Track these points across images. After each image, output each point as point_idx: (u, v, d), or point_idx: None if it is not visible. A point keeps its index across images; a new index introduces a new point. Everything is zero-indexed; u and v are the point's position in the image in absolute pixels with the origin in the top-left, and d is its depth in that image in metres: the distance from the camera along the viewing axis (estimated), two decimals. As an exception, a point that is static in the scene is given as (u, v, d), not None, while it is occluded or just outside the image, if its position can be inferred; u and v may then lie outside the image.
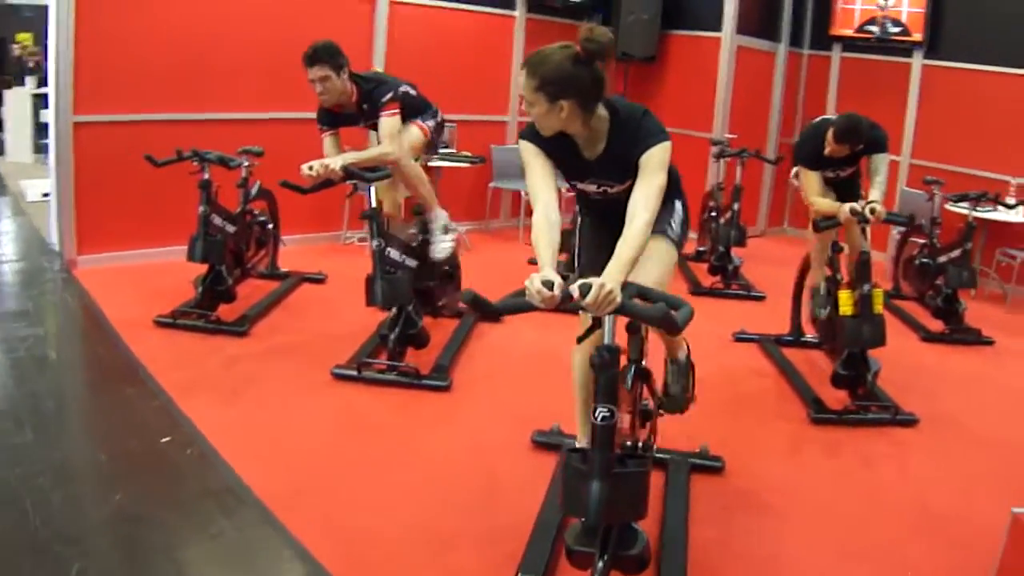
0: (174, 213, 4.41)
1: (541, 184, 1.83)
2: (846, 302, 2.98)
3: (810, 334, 3.73)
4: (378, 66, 5.04)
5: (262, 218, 4.05)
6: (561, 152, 1.87)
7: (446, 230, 3.29)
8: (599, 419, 1.65)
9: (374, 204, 2.94)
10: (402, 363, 3.04)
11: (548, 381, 3.13)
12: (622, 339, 1.78)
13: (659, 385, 2.29)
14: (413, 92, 3.21)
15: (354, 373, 3.01)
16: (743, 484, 2.48)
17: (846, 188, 3.35)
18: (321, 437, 2.63)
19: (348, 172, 2.85)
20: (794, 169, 3.50)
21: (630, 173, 1.84)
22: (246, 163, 3.79)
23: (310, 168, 2.81)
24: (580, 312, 1.67)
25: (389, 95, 3.00)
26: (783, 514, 2.34)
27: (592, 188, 1.99)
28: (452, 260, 3.40)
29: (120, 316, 3.51)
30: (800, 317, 3.82)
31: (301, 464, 2.45)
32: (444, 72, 5.23)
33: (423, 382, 2.99)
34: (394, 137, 2.99)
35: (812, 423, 2.95)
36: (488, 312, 1.63)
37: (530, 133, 1.87)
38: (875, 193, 3.01)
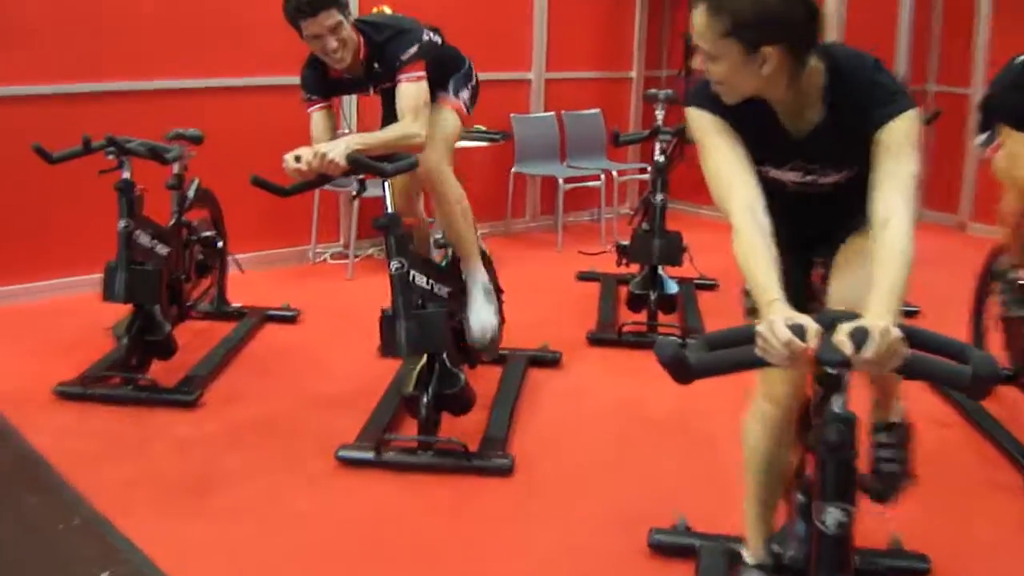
0: (77, 230, 4.35)
1: (734, 171, 1.79)
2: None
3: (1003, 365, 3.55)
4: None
5: (205, 232, 4.02)
6: (753, 125, 1.83)
7: (487, 294, 3.25)
8: (830, 524, 1.57)
9: (392, 208, 2.89)
10: (439, 437, 2.99)
11: (649, 450, 3.12)
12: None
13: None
14: (439, 40, 3.17)
15: (370, 456, 2.95)
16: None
17: None
18: (333, 559, 2.48)
19: (357, 163, 2.76)
20: (982, 135, 3.29)
21: (854, 155, 1.81)
22: (182, 154, 3.70)
23: (297, 159, 2.73)
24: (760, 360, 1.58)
25: (412, 50, 2.96)
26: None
27: (793, 177, 1.95)
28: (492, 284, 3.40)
29: (3, 387, 3.42)
30: (983, 341, 3.63)
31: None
32: (444, 10, 5.10)
33: (475, 463, 2.93)
34: (421, 110, 2.95)
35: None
36: (697, 376, 1.53)
37: (704, 98, 1.84)
38: None
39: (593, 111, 6.23)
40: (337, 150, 2.73)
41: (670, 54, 6.73)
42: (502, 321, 3.35)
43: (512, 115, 5.87)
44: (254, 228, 4.90)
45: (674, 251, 4.12)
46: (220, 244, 4.12)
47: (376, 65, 3.02)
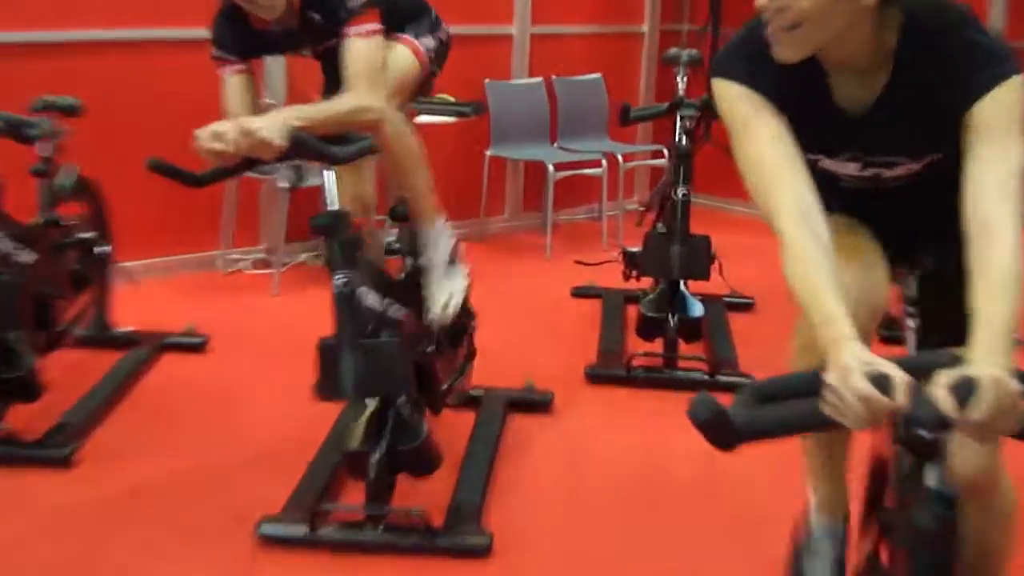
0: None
1: (780, 162, 1.81)
2: None
3: None
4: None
5: (84, 234, 4.01)
6: (799, 100, 1.85)
7: (453, 260, 3.35)
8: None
9: (336, 204, 2.91)
10: (393, 507, 2.99)
11: (666, 526, 3.13)
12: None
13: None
14: None
15: (302, 532, 2.96)
16: None
17: None
18: None
19: (300, 144, 2.80)
20: None
21: (932, 139, 1.85)
22: (52, 131, 3.72)
23: (216, 137, 2.74)
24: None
25: None
26: None
27: (850, 170, 1.98)
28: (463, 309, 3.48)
29: None
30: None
31: None
32: None
33: (440, 542, 2.97)
34: (377, 75, 3.00)
35: None
36: (745, 440, 1.52)
37: (737, 65, 1.88)
38: None
39: (593, 76, 6.25)
40: (273, 126, 2.74)
41: (693, 3, 6.77)
42: (472, 336, 3.40)
43: (487, 81, 5.89)
44: (149, 228, 4.89)
45: (699, 261, 4.12)
46: (104, 249, 4.12)
47: (316, 16, 3.04)
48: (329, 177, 2.90)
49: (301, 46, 3.18)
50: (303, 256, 5.31)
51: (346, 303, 2.83)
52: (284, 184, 4.69)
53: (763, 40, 1.79)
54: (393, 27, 3.20)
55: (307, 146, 2.81)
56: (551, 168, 5.75)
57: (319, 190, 2.91)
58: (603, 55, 6.39)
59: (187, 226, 5.11)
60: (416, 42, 3.29)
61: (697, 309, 4.17)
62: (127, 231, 4.34)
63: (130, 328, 4.26)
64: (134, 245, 4.62)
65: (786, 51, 1.78)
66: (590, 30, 6.38)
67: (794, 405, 1.55)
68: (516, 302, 4.86)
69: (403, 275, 3.34)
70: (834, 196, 1.98)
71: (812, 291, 1.67)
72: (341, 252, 2.85)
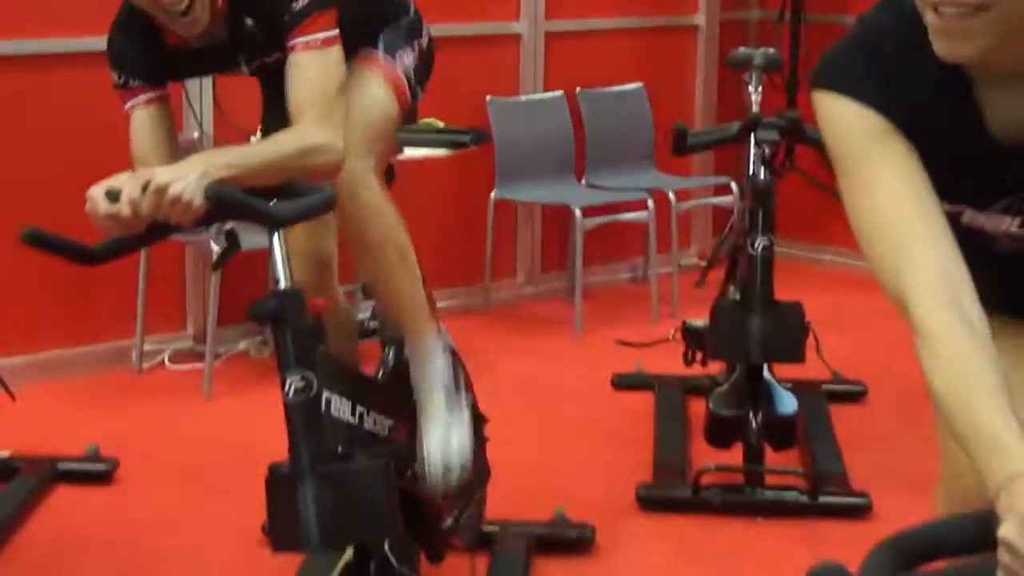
0: None
1: (913, 218, 1.82)
2: None
3: None
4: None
5: None
6: (938, 127, 1.84)
7: (455, 387, 3.36)
8: None
9: (285, 282, 2.91)
10: None
11: None
12: None
13: None
14: None
15: None
16: None
17: None
18: None
19: (223, 202, 2.78)
20: None
21: None
22: None
23: (111, 196, 2.73)
24: None
25: None
26: None
27: (1007, 226, 1.98)
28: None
29: None
30: None
31: None
32: None
33: None
34: (332, 102, 3.02)
35: None
36: None
37: (857, 75, 1.86)
38: None
39: (631, 87, 6.31)
40: (188, 179, 2.73)
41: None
42: (483, 451, 3.41)
43: (489, 99, 5.93)
44: (30, 315, 4.92)
45: (789, 337, 4.13)
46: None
47: (248, 20, 3.07)
48: (276, 244, 2.90)
49: (231, 62, 3.20)
50: (243, 344, 5.32)
51: (304, 414, 2.82)
52: (214, 252, 4.70)
53: (893, 39, 1.81)
54: (357, 35, 3.22)
55: (232, 204, 2.81)
56: (578, 213, 5.73)
57: (264, 254, 2.92)
58: (645, 58, 6.43)
59: (86, 309, 5.12)
60: (394, 68, 3.30)
61: (788, 403, 4.14)
62: (2, 318, 4.40)
63: (7, 452, 4.25)
64: (12, 337, 4.66)
65: (958, 45, 1.74)
66: (626, 24, 6.41)
67: (956, 572, 1.56)
68: (539, 399, 4.85)
69: (383, 370, 3.35)
70: (983, 266, 1.95)
71: (970, 407, 1.66)
72: (295, 345, 2.84)
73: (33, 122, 4.84)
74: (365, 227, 3.19)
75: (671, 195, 5.93)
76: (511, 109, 5.97)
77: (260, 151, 2.99)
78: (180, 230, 2.88)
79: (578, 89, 6.16)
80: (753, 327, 4.07)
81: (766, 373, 4.15)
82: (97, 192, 2.72)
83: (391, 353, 3.38)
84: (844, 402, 4.76)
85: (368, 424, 3.01)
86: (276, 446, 2.85)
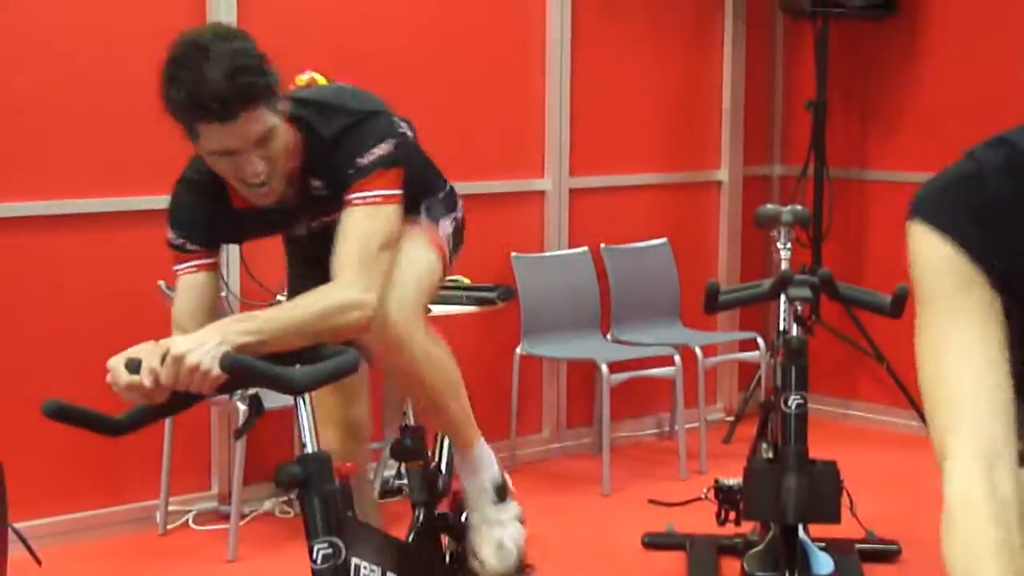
0: None
1: (974, 372, 1.78)
2: None
3: None
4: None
5: None
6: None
7: (501, 494, 3.44)
8: None
9: (311, 447, 2.90)
10: None
11: None
12: None
13: None
14: (411, 135, 3.34)
15: None
16: None
17: None
18: None
19: (241, 371, 2.78)
20: None
21: None
22: None
23: (131, 368, 2.75)
24: None
25: (381, 149, 3.08)
26: None
27: None
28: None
29: None
30: None
31: None
32: (398, 75, 5.27)
33: None
34: (374, 260, 3.03)
35: None
36: None
37: (954, 214, 1.83)
38: None
39: (656, 242, 6.35)
40: (204, 349, 2.72)
41: (785, 137, 6.90)
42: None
43: (514, 255, 5.97)
44: (55, 477, 4.91)
45: (824, 496, 4.11)
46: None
47: (316, 182, 3.11)
48: (302, 408, 2.90)
49: (295, 223, 3.25)
50: (268, 503, 5.29)
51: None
52: (239, 421, 4.69)
53: (1001, 181, 1.78)
54: (407, 200, 3.24)
55: (251, 372, 2.79)
56: (604, 369, 5.73)
57: (290, 413, 2.91)
58: (669, 213, 6.47)
59: (111, 469, 5.10)
60: (438, 232, 3.35)
61: (824, 565, 4.14)
62: (24, 484, 4.29)
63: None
64: (34, 500, 4.61)
65: None
66: (649, 180, 6.47)
67: None
68: (565, 559, 4.78)
69: (413, 533, 3.34)
70: None
71: None
72: (322, 513, 2.83)
73: (51, 286, 4.84)
74: (418, 374, 3.22)
75: (697, 351, 5.92)
76: (536, 265, 6.02)
77: (282, 315, 2.99)
78: (203, 399, 2.88)
79: (602, 245, 6.21)
80: (788, 487, 4.05)
81: (801, 533, 4.12)
82: (117, 363, 2.75)
83: (421, 514, 3.37)
84: (878, 561, 4.71)
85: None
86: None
